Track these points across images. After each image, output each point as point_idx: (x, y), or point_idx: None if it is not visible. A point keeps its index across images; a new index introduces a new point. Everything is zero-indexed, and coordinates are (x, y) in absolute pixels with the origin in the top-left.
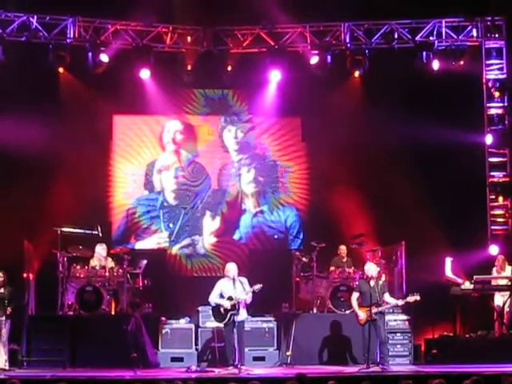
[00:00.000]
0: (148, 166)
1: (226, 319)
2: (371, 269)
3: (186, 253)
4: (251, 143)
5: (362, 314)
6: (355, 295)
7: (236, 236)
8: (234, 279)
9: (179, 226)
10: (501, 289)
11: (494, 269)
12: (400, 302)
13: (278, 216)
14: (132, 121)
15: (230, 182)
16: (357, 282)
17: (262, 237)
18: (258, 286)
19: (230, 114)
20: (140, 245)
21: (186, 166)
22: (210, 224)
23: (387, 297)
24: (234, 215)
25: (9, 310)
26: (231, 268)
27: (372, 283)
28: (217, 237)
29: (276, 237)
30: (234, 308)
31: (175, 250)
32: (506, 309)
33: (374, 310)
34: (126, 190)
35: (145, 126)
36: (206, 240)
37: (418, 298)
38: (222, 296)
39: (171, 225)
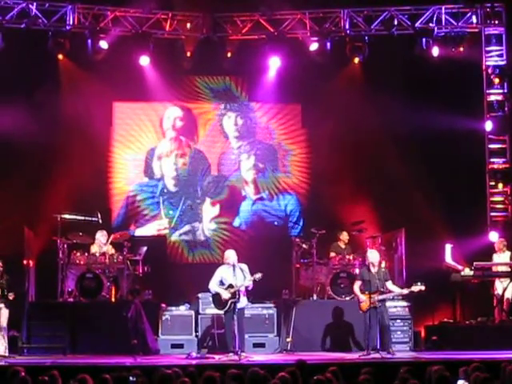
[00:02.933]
0: (148, 153)
1: (227, 307)
2: (373, 256)
3: (185, 239)
4: (251, 130)
5: (364, 301)
6: (357, 283)
7: (236, 223)
8: (234, 266)
9: (179, 213)
10: (500, 275)
11: (495, 254)
12: (405, 291)
13: (278, 202)
14: (132, 108)
15: (230, 168)
16: (357, 270)
17: (261, 223)
18: (258, 275)
19: (230, 101)
20: (140, 231)
21: (186, 152)
22: (210, 211)
23: (390, 285)
24: (233, 202)
25: (12, 295)
26: (230, 255)
27: (374, 270)
28: (217, 223)
29: (276, 223)
30: (235, 296)
31: (175, 236)
32: (506, 295)
33: (377, 297)
34: (126, 176)
35: (144, 113)
36: (206, 227)
37: (422, 288)
38: (222, 283)
39: (171, 211)
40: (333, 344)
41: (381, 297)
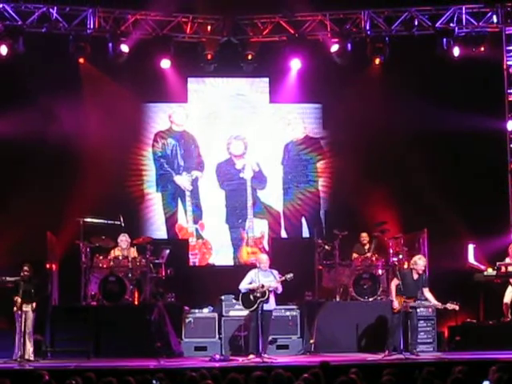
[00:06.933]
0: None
1: (255, 306)
2: (420, 263)
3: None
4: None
5: (397, 304)
6: (396, 281)
7: None
8: (265, 270)
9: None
10: None
11: (507, 258)
12: (439, 306)
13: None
14: (153, 110)
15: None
16: (380, 271)
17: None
18: (290, 275)
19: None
20: (163, 234)
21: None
22: None
23: (427, 291)
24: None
25: (34, 304)
26: (264, 259)
27: (416, 276)
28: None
29: None
30: (264, 295)
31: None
32: None
33: (412, 303)
34: (149, 179)
35: (166, 116)
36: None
37: (456, 307)
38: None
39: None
40: (356, 345)
41: (414, 304)
